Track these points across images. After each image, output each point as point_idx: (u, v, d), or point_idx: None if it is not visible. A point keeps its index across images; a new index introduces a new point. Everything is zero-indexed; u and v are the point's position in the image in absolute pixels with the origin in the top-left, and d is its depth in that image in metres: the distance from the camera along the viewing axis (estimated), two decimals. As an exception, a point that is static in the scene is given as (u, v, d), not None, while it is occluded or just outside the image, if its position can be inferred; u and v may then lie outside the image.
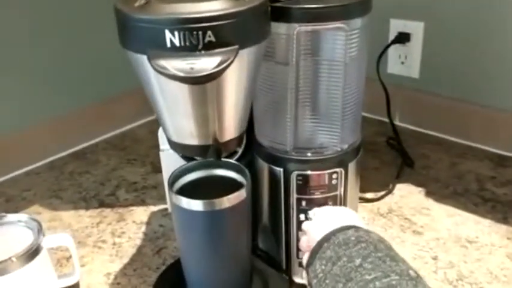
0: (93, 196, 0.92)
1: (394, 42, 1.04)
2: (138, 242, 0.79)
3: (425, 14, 1.01)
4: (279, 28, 0.53)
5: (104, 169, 1.00)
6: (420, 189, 0.90)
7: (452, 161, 0.97)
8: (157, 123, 1.19)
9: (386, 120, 1.05)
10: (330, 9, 0.52)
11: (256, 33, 0.48)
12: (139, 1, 0.47)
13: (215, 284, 0.62)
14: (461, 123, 1.03)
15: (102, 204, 0.89)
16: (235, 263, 0.61)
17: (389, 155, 1.00)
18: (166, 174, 0.72)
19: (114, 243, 0.79)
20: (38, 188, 0.95)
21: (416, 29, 1.03)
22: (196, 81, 0.43)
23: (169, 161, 0.69)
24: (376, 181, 0.91)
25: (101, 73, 1.09)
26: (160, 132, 0.70)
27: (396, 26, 1.04)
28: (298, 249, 0.65)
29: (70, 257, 0.76)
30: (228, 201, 0.55)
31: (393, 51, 1.07)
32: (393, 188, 0.90)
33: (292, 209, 0.63)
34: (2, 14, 0.91)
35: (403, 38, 1.05)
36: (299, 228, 0.64)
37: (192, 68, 0.43)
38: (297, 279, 0.67)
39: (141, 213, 0.86)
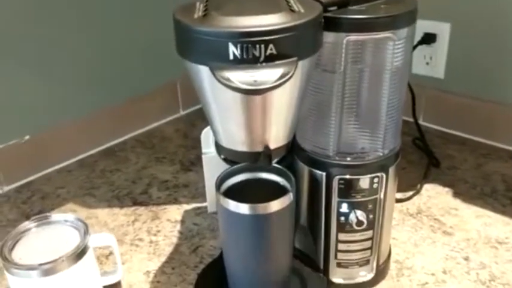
0: (126, 194, 0.93)
1: (420, 43, 1.05)
2: (174, 240, 0.81)
3: (451, 15, 1.02)
4: (328, 37, 0.54)
5: (134, 167, 1.02)
6: (447, 189, 0.91)
7: (478, 161, 0.99)
8: (183, 122, 1.22)
9: (411, 120, 1.06)
10: (378, 19, 0.54)
11: (312, 45, 0.49)
12: (197, 12, 0.48)
13: (256, 283, 0.63)
14: (485, 124, 1.04)
15: (135, 203, 0.91)
16: (277, 264, 0.63)
17: (415, 154, 1.02)
18: (208, 176, 0.74)
19: (150, 242, 0.81)
20: (71, 185, 0.97)
21: (442, 29, 1.04)
22: (259, 93, 0.45)
23: (211, 164, 0.71)
24: (403, 181, 0.93)
25: (128, 72, 1.10)
26: (203, 136, 0.72)
27: (422, 26, 1.05)
28: (336, 250, 0.67)
29: (109, 254, 0.78)
30: (274, 205, 0.57)
31: (418, 51, 1.08)
32: (421, 189, 0.91)
33: (333, 211, 0.64)
34: (35, 16, 0.92)
35: (429, 38, 1.06)
36: (339, 230, 0.65)
37: (255, 81, 0.44)
38: (335, 279, 0.69)
39: (174, 212, 0.88)
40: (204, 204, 0.89)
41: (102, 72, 1.06)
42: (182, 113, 1.24)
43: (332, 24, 0.53)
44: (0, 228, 0.86)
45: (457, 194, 0.90)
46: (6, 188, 0.96)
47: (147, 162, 1.04)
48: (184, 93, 1.22)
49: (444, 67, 1.07)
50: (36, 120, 0.97)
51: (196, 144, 1.10)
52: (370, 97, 0.60)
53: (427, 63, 1.09)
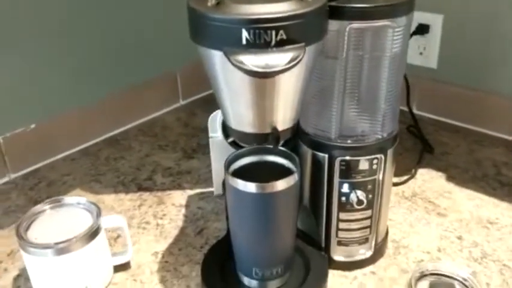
0: (131, 180, 0.96)
1: (414, 33, 1.09)
2: (180, 223, 0.84)
3: (444, 7, 1.06)
4: (332, 25, 0.57)
5: (138, 155, 1.05)
6: (441, 174, 0.95)
7: (470, 147, 1.03)
8: (183, 111, 1.24)
9: (406, 109, 1.10)
10: (379, 8, 0.57)
11: (318, 32, 0.52)
12: (210, 1, 0.51)
13: (262, 260, 0.67)
14: (477, 112, 1.08)
15: (140, 188, 0.94)
16: (282, 241, 0.66)
17: (409, 141, 1.06)
18: (214, 160, 0.77)
19: (157, 225, 0.84)
20: (77, 172, 0.99)
21: (435, 21, 1.08)
22: (271, 75, 0.48)
23: (217, 148, 0.74)
24: (399, 166, 0.96)
25: (130, 62, 1.13)
26: (210, 121, 0.75)
27: (416, 18, 1.08)
28: (337, 229, 0.71)
29: (117, 237, 0.81)
30: (280, 184, 0.60)
31: (412, 42, 1.11)
32: (415, 173, 0.95)
33: (335, 191, 0.68)
34: (36, 4, 0.94)
35: (422, 29, 1.09)
36: (340, 209, 0.69)
37: (266, 64, 0.47)
38: (336, 257, 0.73)
39: (178, 197, 0.91)
40: (208, 189, 0.92)
41: (104, 63, 1.08)
42: (182, 102, 1.27)
43: (336, 13, 0.56)
44: (9, 213, 0.88)
45: (450, 178, 0.94)
46: (13, 176, 0.98)
47: (150, 150, 1.06)
48: (184, 84, 1.25)
49: (437, 57, 1.11)
50: (41, 110, 0.99)
51: (197, 133, 1.13)
52: (370, 82, 0.63)
53: (421, 54, 1.12)
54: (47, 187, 0.95)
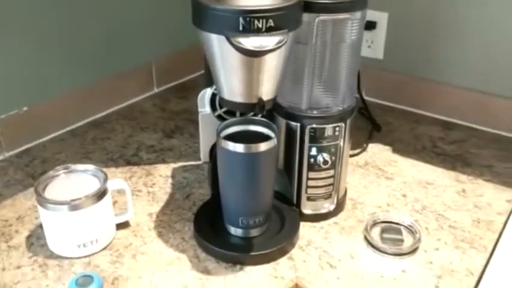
0: (119, 157, 1.07)
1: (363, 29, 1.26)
2: (169, 190, 0.97)
3: (389, 5, 1.24)
4: (304, 17, 0.72)
5: (122, 135, 1.16)
6: (388, 147, 1.12)
7: (411, 126, 1.21)
8: (158, 98, 1.36)
9: (357, 95, 1.26)
10: (341, 4, 0.73)
11: (297, 21, 0.67)
12: (210, -5, 0.65)
13: (247, 210, 0.80)
14: (416, 96, 1.27)
15: (129, 163, 1.05)
16: (264, 194, 0.80)
17: (361, 122, 1.22)
18: (203, 131, 0.90)
19: (148, 192, 0.96)
20: (67, 151, 1.09)
21: (381, 18, 1.25)
22: (263, 54, 0.62)
23: (206, 121, 0.87)
24: (353, 142, 1.11)
25: (109, 50, 1.23)
26: (199, 98, 0.87)
27: (365, 15, 1.26)
28: (307, 187, 0.85)
29: (114, 202, 0.92)
30: (263, 146, 0.74)
31: (362, 36, 1.28)
32: (367, 147, 1.12)
33: (305, 154, 0.82)
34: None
35: (370, 25, 1.26)
36: (309, 169, 0.84)
37: (260, 45, 0.61)
38: (305, 211, 0.88)
39: (164, 169, 1.03)
40: (190, 163, 1.05)
41: (88, 51, 1.18)
42: (156, 90, 1.38)
43: (308, 7, 0.71)
44: (10, 186, 0.97)
45: (395, 150, 1.11)
46: (7, 154, 1.06)
47: (133, 132, 1.18)
48: (158, 73, 1.36)
49: (383, 49, 1.28)
50: (32, 94, 1.09)
51: (173, 116, 1.25)
52: (333, 65, 0.79)
53: (369, 46, 1.30)
54: (41, 163, 1.04)
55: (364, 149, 1.11)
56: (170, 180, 1.00)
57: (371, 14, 1.25)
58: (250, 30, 0.62)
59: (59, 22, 1.10)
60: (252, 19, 0.61)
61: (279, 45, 0.62)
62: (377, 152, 1.11)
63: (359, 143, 1.13)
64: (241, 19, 0.61)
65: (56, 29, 1.10)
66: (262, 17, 0.61)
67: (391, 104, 1.31)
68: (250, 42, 0.62)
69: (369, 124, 1.21)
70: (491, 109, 1.18)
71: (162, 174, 1.02)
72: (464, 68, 1.19)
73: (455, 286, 0.75)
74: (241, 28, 0.62)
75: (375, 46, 1.29)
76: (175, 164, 1.05)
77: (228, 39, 0.62)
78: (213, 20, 0.63)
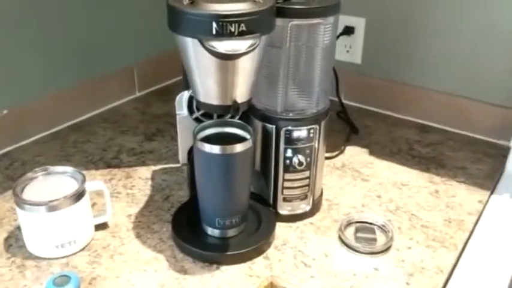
0: (99, 159, 1.08)
1: (341, 34, 1.28)
2: (148, 192, 0.98)
3: (366, 11, 1.26)
4: (278, 21, 0.74)
5: (103, 138, 1.17)
6: (365, 150, 1.15)
7: (388, 129, 1.24)
8: (140, 101, 1.37)
9: (335, 99, 1.29)
10: (313, 9, 0.75)
11: (269, 25, 0.69)
12: (185, 1, 0.66)
13: (224, 211, 0.81)
14: (393, 100, 1.29)
15: (109, 166, 1.06)
16: (240, 195, 0.82)
17: (339, 124, 1.25)
18: (181, 133, 0.91)
19: (127, 194, 0.97)
20: (48, 154, 1.10)
21: (359, 23, 1.28)
22: (236, 57, 0.64)
23: (184, 123, 0.89)
24: (330, 144, 1.14)
25: (91, 54, 1.24)
26: (177, 101, 0.89)
27: (343, 20, 1.28)
28: (283, 188, 0.87)
29: (93, 204, 0.93)
30: (238, 147, 0.76)
31: (340, 41, 1.31)
32: (344, 149, 1.14)
33: (281, 156, 0.84)
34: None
35: (348, 30, 1.29)
36: (285, 170, 0.86)
37: (232, 48, 0.63)
38: (281, 211, 0.89)
39: (144, 172, 1.04)
40: (169, 165, 1.06)
41: (70, 55, 1.19)
42: (138, 94, 1.39)
43: (281, 12, 0.73)
44: (-11, 188, 0.98)
45: (372, 153, 1.13)
46: (-13, 157, 1.07)
47: (114, 134, 1.19)
48: (140, 77, 1.38)
49: (361, 54, 1.31)
50: (13, 96, 1.09)
51: (154, 120, 1.27)
52: (307, 68, 0.81)
53: (347, 51, 1.32)
54: (21, 166, 1.05)
55: (341, 151, 1.13)
56: (150, 182, 1.01)
57: (349, 20, 1.28)
58: (223, 34, 0.64)
59: (40, 25, 1.11)
60: (224, 23, 0.63)
61: (251, 48, 0.64)
62: (354, 154, 1.13)
63: (337, 146, 1.15)
64: (214, 23, 0.63)
65: (37, 32, 1.11)
66: (235, 21, 0.63)
67: (369, 108, 1.34)
68: (223, 45, 0.63)
69: (347, 127, 1.24)
70: (467, 113, 1.21)
71: (141, 176, 1.03)
72: (441, 73, 1.22)
73: (425, 283, 0.77)
74: (214, 32, 0.64)
75: (353, 51, 1.32)
76: (156, 166, 1.07)
77: (201, 42, 0.64)
78: (187, 24, 0.65)
